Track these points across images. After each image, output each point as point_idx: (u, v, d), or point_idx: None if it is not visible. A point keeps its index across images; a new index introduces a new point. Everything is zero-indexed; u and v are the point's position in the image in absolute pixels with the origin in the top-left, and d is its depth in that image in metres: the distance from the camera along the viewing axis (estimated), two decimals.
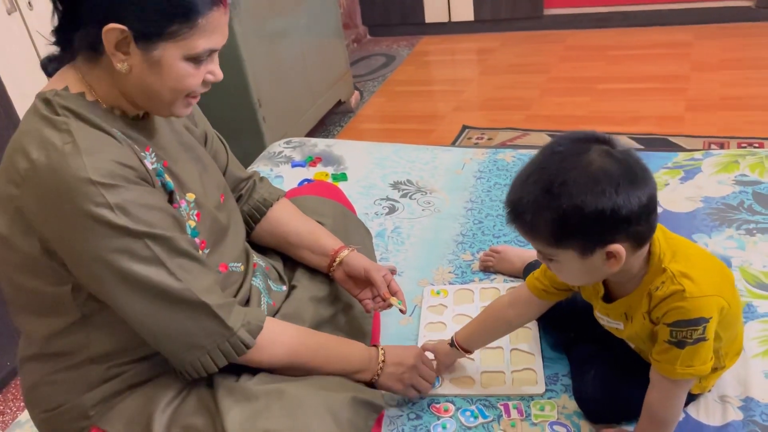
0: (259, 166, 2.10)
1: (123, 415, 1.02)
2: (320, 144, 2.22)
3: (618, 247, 0.92)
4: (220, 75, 0.98)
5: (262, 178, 1.36)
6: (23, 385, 1.08)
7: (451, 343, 1.25)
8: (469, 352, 1.26)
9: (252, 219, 1.31)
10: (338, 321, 1.29)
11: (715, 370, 1.11)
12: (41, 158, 0.88)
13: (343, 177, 1.99)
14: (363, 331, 1.30)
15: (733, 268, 1.45)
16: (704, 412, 1.15)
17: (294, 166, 2.08)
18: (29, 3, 1.84)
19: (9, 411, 1.85)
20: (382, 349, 1.18)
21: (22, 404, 1.83)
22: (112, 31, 0.88)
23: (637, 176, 0.91)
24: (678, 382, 1.01)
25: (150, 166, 0.98)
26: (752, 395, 1.16)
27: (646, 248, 0.99)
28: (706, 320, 0.96)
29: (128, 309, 0.95)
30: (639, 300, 1.02)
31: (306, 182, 1.93)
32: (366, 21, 4.27)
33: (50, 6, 0.93)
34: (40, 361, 1.04)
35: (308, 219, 1.35)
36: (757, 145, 2.49)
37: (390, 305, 1.28)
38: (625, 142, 2.65)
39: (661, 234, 1.01)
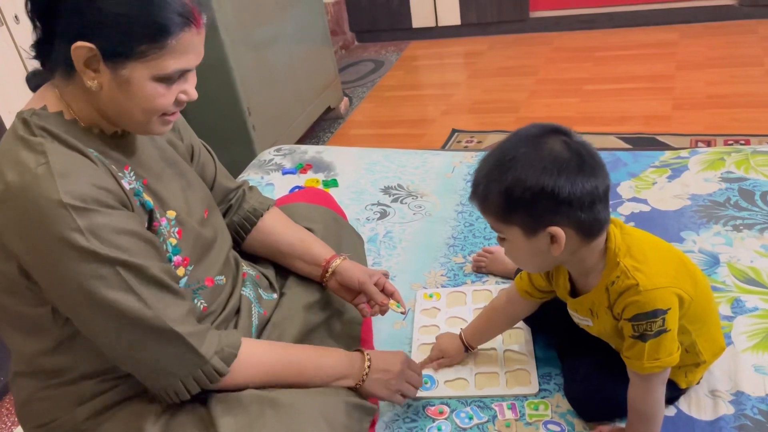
0: (250, 174, 2.11)
1: (115, 428, 1.01)
2: (310, 151, 2.22)
3: (557, 230, 0.96)
4: (194, 95, 0.97)
5: (251, 188, 1.36)
6: (16, 400, 1.07)
7: (464, 346, 1.31)
8: (473, 347, 1.33)
9: (242, 229, 1.30)
10: (331, 326, 1.29)
11: (697, 365, 1.13)
12: (15, 180, 0.87)
13: (333, 183, 2.00)
14: (354, 336, 1.31)
15: (720, 264, 1.47)
16: (695, 406, 1.16)
17: (284, 173, 2.08)
18: (16, 17, 1.84)
19: (3, 426, 1.84)
20: (367, 354, 1.16)
21: (16, 419, 1.82)
22: (81, 48, 0.87)
23: (585, 165, 0.95)
24: (649, 376, 1.03)
25: (128, 186, 0.97)
26: (742, 389, 1.17)
27: (599, 241, 1.02)
28: (664, 311, 0.99)
29: (99, 335, 0.94)
30: (600, 295, 1.05)
31: (297, 189, 1.94)
32: (353, 27, 4.28)
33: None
34: (30, 377, 1.03)
35: (299, 228, 1.35)
36: (743, 142, 2.52)
37: (387, 309, 1.29)
38: (613, 142, 2.67)
39: (617, 230, 1.04)
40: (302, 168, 2.10)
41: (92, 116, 0.96)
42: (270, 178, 2.07)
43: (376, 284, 1.28)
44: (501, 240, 1.04)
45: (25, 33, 1.88)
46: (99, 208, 0.89)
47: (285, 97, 2.80)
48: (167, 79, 0.92)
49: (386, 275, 1.56)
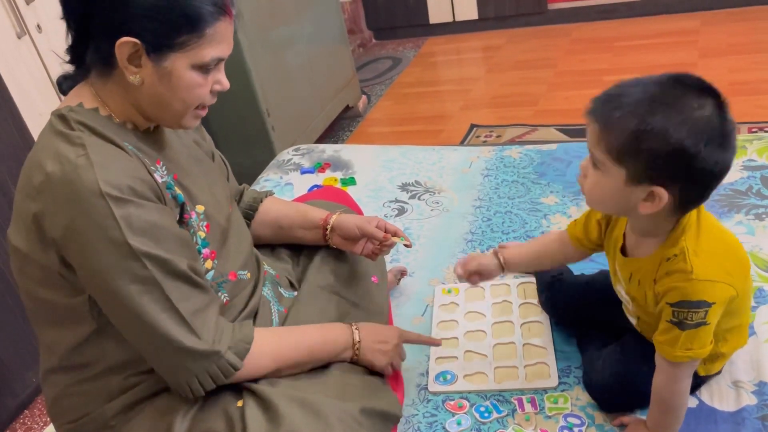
0: (269, 175, 2.13)
1: (144, 424, 1.04)
2: (328, 150, 2.24)
3: (663, 192, 0.91)
4: (226, 84, 1.02)
5: (248, 187, 1.41)
6: (46, 398, 1.10)
7: (500, 261, 1.25)
8: (509, 269, 1.26)
9: (247, 218, 1.35)
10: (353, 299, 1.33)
11: (716, 357, 1.12)
12: (56, 171, 0.91)
13: (351, 181, 2.02)
14: (380, 309, 1.34)
15: None
16: (718, 398, 1.15)
17: (303, 173, 2.10)
18: (38, 26, 1.88)
19: (36, 426, 1.89)
20: (355, 327, 1.18)
21: (48, 418, 1.86)
22: (125, 44, 0.91)
23: (729, 145, 0.91)
24: (679, 365, 1.02)
25: (160, 180, 1.01)
26: (766, 379, 1.16)
27: (682, 216, 0.98)
28: (709, 304, 0.96)
29: (122, 325, 0.97)
30: (651, 265, 1.02)
31: (315, 188, 1.95)
32: (370, 25, 4.29)
33: (61, 27, 0.96)
34: (61, 373, 1.06)
35: (296, 203, 1.41)
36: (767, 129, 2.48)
37: (393, 244, 1.31)
38: None
39: (695, 209, 1.00)
40: (320, 167, 2.12)
41: (127, 112, 1.00)
42: (289, 177, 2.09)
43: (377, 227, 1.30)
44: (590, 167, 0.97)
45: (48, 41, 1.93)
46: (134, 199, 0.93)
47: (303, 97, 2.82)
48: (204, 68, 0.96)
49: (404, 272, 1.59)
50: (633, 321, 1.15)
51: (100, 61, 0.96)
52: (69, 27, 0.96)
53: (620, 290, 1.14)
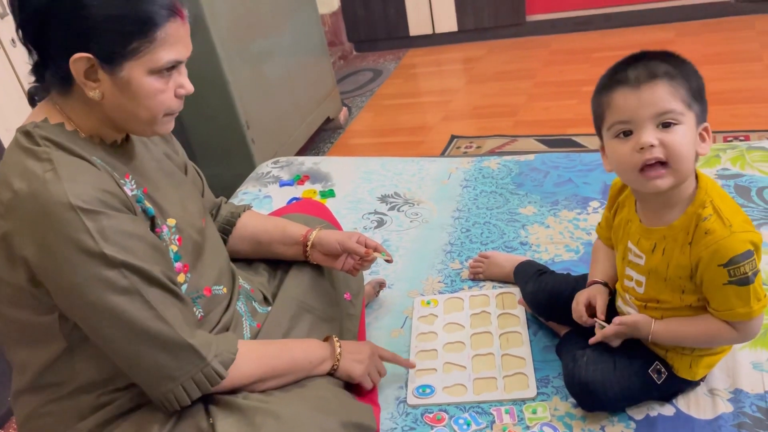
0: (248, 188, 2.12)
1: None
2: (307, 162, 2.23)
3: (708, 126, 1.01)
4: (190, 88, 1.00)
5: (226, 201, 1.41)
6: (18, 419, 1.08)
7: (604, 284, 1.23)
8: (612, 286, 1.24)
9: (224, 233, 1.34)
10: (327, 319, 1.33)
11: (701, 356, 1.14)
12: (23, 187, 0.90)
13: (330, 193, 2.01)
14: (352, 326, 1.35)
15: None
16: (694, 406, 1.16)
17: (282, 185, 2.10)
18: (12, 40, 1.86)
19: None
20: (336, 339, 1.21)
21: None
22: (79, 60, 0.90)
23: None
24: (752, 320, 1.04)
25: (130, 193, 1.00)
26: (741, 387, 1.17)
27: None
28: (752, 252, 1.00)
29: (103, 338, 0.96)
30: (681, 232, 1.04)
31: (294, 201, 1.95)
32: (351, 37, 4.30)
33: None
34: (32, 393, 1.04)
35: (274, 218, 1.40)
36: (743, 138, 2.51)
37: (374, 259, 1.31)
38: None
39: (708, 177, 1.07)
40: (299, 179, 2.11)
41: (93, 126, 0.99)
42: (267, 190, 2.08)
43: (357, 242, 1.30)
44: (660, 133, 0.99)
45: (22, 56, 1.91)
46: (106, 210, 0.92)
47: (283, 109, 2.81)
48: (162, 72, 0.95)
49: (383, 285, 1.58)
50: (631, 312, 1.16)
51: (58, 80, 0.95)
52: (28, 49, 0.96)
53: (631, 274, 1.14)
